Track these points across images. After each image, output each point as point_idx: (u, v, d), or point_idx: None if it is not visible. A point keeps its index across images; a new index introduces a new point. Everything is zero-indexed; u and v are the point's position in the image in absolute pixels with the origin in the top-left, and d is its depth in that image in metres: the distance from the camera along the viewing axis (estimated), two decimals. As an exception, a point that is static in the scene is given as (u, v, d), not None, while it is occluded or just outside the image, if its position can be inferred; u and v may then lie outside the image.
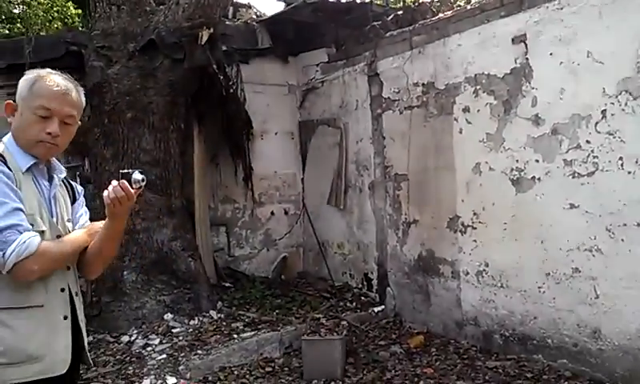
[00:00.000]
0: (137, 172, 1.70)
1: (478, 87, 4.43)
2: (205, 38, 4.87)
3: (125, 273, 4.89)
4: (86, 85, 5.01)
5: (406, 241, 5.15)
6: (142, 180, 1.72)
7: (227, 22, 6.62)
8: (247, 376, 4.09)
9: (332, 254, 6.24)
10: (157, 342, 4.51)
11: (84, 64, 5.08)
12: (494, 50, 4.28)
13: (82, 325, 1.87)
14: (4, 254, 1.55)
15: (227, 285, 5.84)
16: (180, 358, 4.19)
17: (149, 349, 4.40)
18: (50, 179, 1.83)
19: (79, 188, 2.02)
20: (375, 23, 5.69)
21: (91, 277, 2.01)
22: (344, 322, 4.85)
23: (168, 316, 4.86)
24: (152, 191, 4.99)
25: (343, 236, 6.04)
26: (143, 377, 3.91)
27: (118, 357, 4.29)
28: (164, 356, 4.25)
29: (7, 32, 8.67)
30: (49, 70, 1.77)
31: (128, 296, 4.86)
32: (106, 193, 1.69)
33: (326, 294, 5.68)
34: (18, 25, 8.71)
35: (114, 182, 1.68)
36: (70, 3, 9.44)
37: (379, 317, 5.27)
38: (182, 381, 3.81)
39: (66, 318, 1.75)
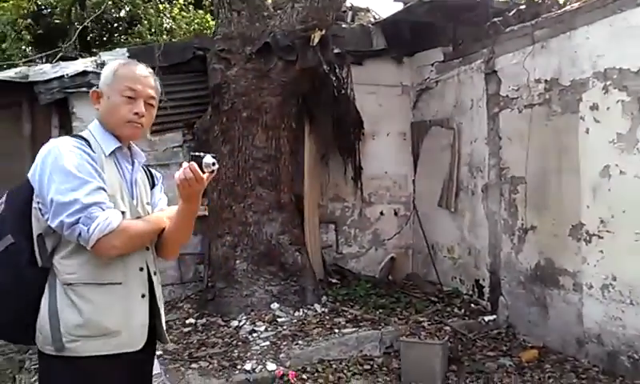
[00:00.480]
0: (208, 156, 1.67)
1: (608, 83, 4.00)
2: (316, 40, 5.01)
3: (237, 262, 5.19)
4: (208, 86, 5.45)
5: (522, 248, 4.79)
6: (213, 164, 1.68)
7: (343, 25, 6.75)
8: (345, 371, 4.11)
9: (441, 257, 6.03)
10: (262, 329, 4.71)
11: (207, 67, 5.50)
12: (627, 42, 3.83)
13: (160, 303, 1.90)
14: (88, 229, 1.59)
15: (333, 281, 5.93)
16: (282, 347, 4.34)
17: (254, 335, 4.61)
18: (132, 164, 1.89)
19: (158, 174, 2.07)
20: (496, 19, 5.42)
21: (168, 258, 2.02)
22: (448, 328, 4.65)
23: (274, 305, 5.06)
24: (263, 186, 5.25)
25: (454, 239, 5.81)
26: (246, 360, 4.11)
27: (226, 340, 4.56)
28: (267, 343, 4.43)
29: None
30: (129, 59, 1.84)
31: (239, 284, 5.15)
32: (176, 174, 1.68)
33: (433, 298, 5.50)
34: (164, 36, 9.71)
35: (185, 164, 1.67)
36: (208, 15, 10.33)
37: (489, 326, 4.97)
38: (279, 368, 3.93)
39: (143, 296, 1.79)
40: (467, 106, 5.61)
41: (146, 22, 10.67)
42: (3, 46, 9.61)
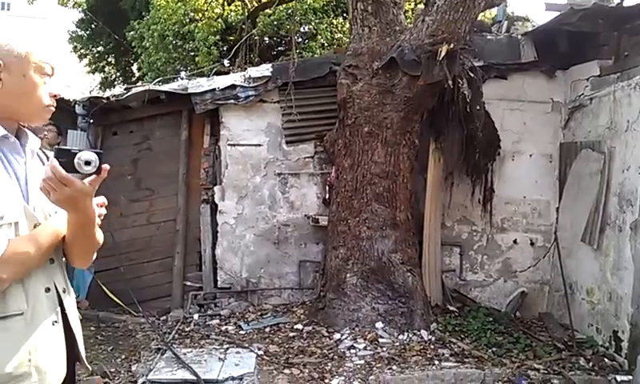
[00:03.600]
0: (86, 152, 1.33)
1: None
2: (443, 54, 4.79)
3: (348, 275, 5.23)
4: (336, 100, 5.59)
5: (672, 302, 3.96)
6: (88, 163, 1.32)
7: (488, 37, 6.35)
8: (432, 407, 3.87)
9: (579, 299, 5.27)
10: (362, 346, 4.68)
11: (339, 81, 5.64)
12: None
13: (77, 326, 1.58)
14: None
15: (451, 308, 5.60)
16: (374, 369, 4.26)
17: (352, 351, 4.60)
18: (25, 155, 1.49)
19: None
20: (668, 27, 4.59)
21: (80, 266, 1.68)
22: (564, 381, 4.05)
23: (379, 325, 4.98)
24: (379, 202, 5.21)
25: (594, 280, 5.04)
26: (335, 375, 4.13)
27: (324, 351, 4.64)
28: (362, 362, 4.39)
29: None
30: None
31: (348, 297, 5.18)
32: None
33: (560, 343, 4.84)
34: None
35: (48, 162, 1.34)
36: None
37: (622, 389, 4.21)
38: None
39: (55, 323, 1.45)
40: (622, 128, 4.83)
41: (319, 36, 11.43)
42: (196, 59, 11.14)
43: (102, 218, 1.59)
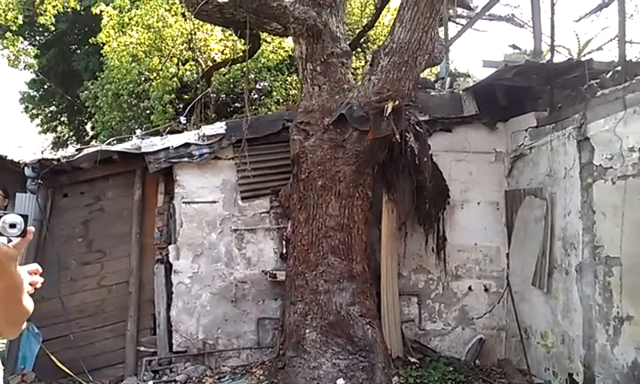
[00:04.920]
0: (11, 215, 1.31)
1: None
2: (389, 110, 4.99)
3: (307, 331, 5.16)
4: (290, 156, 5.69)
5: (618, 341, 4.11)
6: (12, 226, 1.30)
7: (432, 93, 6.67)
8: None
9: (534, 343, 5.39)
10: (323, 405, 4.58)
11: (290, 137, 5.76)
12: None
13: None
14: None
15: (413, 360, 5.59)
16: (335, 427, 4.15)
17: (313, 410, 4.49)
18: None
19: None
20: (593, 82, 4.97)
21: (7, 337, 1.61)
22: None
23: (340, 381, 4.89)
24: (335, 255, 5.24)
25: (547, 324, 5.18)
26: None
27: (284, 411, 4.51)
28: (323, 420, 4.28)
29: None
30: None
31: (308, 354, 5.09)
32: None
33: (518, 389, 4.90)
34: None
35: None
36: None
37: (583, 432, 4.27)
38: None
39: None
40: (560, 175, 5.11)
41: (275, 93, 11.69)
42: (152, 117, 11.13)
43: (37, 285, 1.50)
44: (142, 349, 5.94)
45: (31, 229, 1.35)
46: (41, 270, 1.54)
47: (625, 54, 4.96)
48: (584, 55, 8.37)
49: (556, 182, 5.19)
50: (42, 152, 14.97)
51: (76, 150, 6.76)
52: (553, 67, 5.64)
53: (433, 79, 7.77)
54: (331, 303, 5.16)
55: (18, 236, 1.32)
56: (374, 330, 5.15)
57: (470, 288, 6.12)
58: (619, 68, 4.83)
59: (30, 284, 1.46)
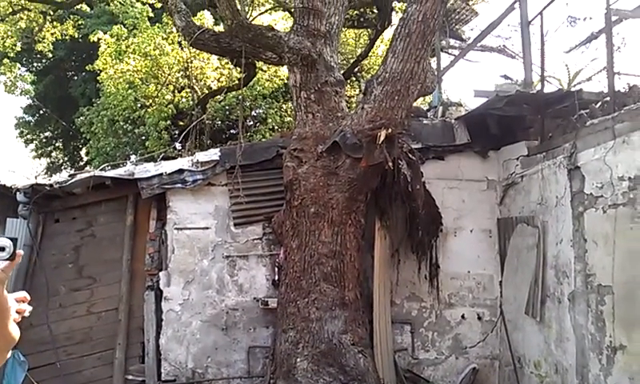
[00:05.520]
0: (0, 238, 1.33)
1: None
2: (382, 138, 5.04)
3: (298, 360, 5.09)
4: (283, 182, 5.70)
5: (611, 371, 4.08)
6: (2, 249, 1.31)
7: (425, 121, 6.74)
8: None
9: (528, 373, 5.34)
10: (313, 436, 4.49)
11: (284, 164, 5.78)
12: None
13: None
14: None
15: (405, 389, 5.52)
16: None
17: (303, 441, 4.40)
18: None
19: None
20: (582, 112, 5.05)
21: None
22: None
23: (331, 411, 4.82)
24: (327, 282, 5.21)
25: (540, 353, 5.14)
26: None
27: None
28: None
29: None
30: None
31: None
32: None
33: (512, 421, 4.83)
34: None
35: None
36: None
37: None
38: None
39: None
40: (552, 204, 5.14)
41: (269, 120, 11.78)
42: (147, 143, 11.16)
43: (24, 314, 1.48)
44: (131, 377, 5.83)
45: (20, 252, 1.35)
46: (29, 298, 1.53)
47: (613, 85, 5.04)
48: (574, 85, 8.49)
49: (548, 211, 5.21)
50: (36, 177, 14.94)
51: (69, 176, 6.75)
52: (543, 97, 5.73)
53: (425, 108, 7.87)
54: (323, 331, 5.11)
55: (6, 259, 1.32)
56: (366, 359, 5.09)
57: (463, 316, 6.08)
58: (608, 98, 4.90)
59: (18, 312, 1.45)
